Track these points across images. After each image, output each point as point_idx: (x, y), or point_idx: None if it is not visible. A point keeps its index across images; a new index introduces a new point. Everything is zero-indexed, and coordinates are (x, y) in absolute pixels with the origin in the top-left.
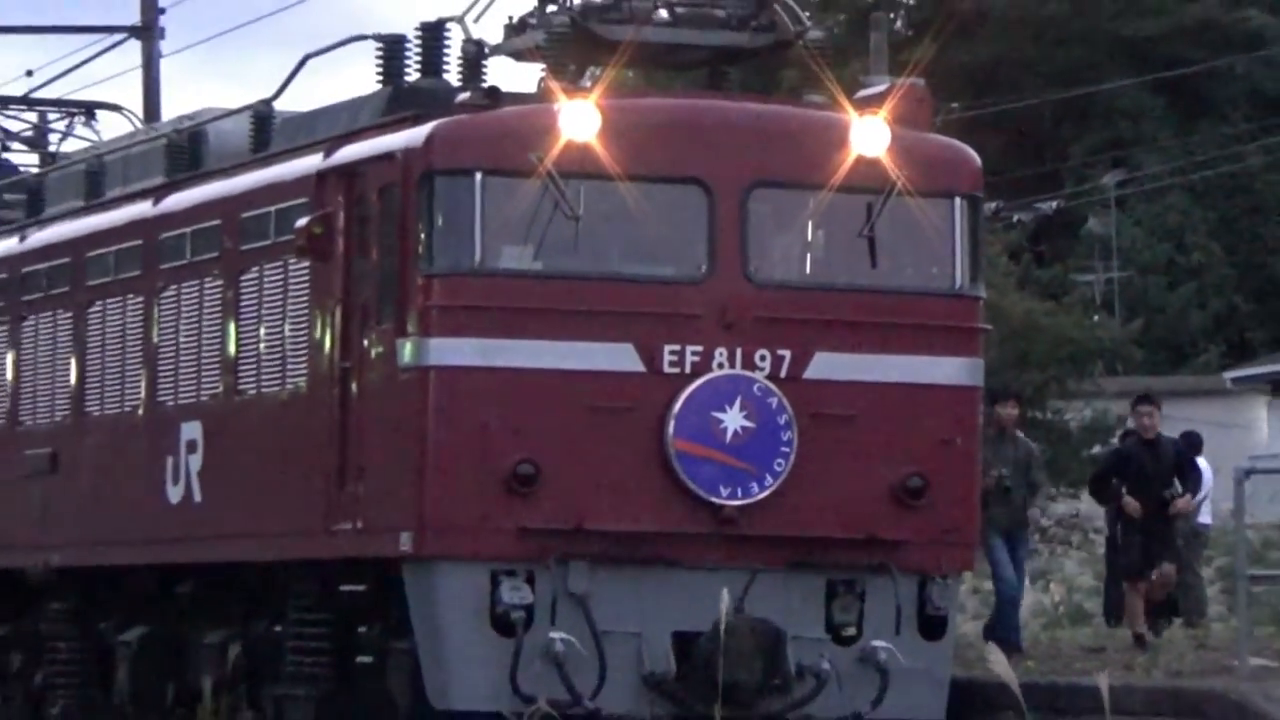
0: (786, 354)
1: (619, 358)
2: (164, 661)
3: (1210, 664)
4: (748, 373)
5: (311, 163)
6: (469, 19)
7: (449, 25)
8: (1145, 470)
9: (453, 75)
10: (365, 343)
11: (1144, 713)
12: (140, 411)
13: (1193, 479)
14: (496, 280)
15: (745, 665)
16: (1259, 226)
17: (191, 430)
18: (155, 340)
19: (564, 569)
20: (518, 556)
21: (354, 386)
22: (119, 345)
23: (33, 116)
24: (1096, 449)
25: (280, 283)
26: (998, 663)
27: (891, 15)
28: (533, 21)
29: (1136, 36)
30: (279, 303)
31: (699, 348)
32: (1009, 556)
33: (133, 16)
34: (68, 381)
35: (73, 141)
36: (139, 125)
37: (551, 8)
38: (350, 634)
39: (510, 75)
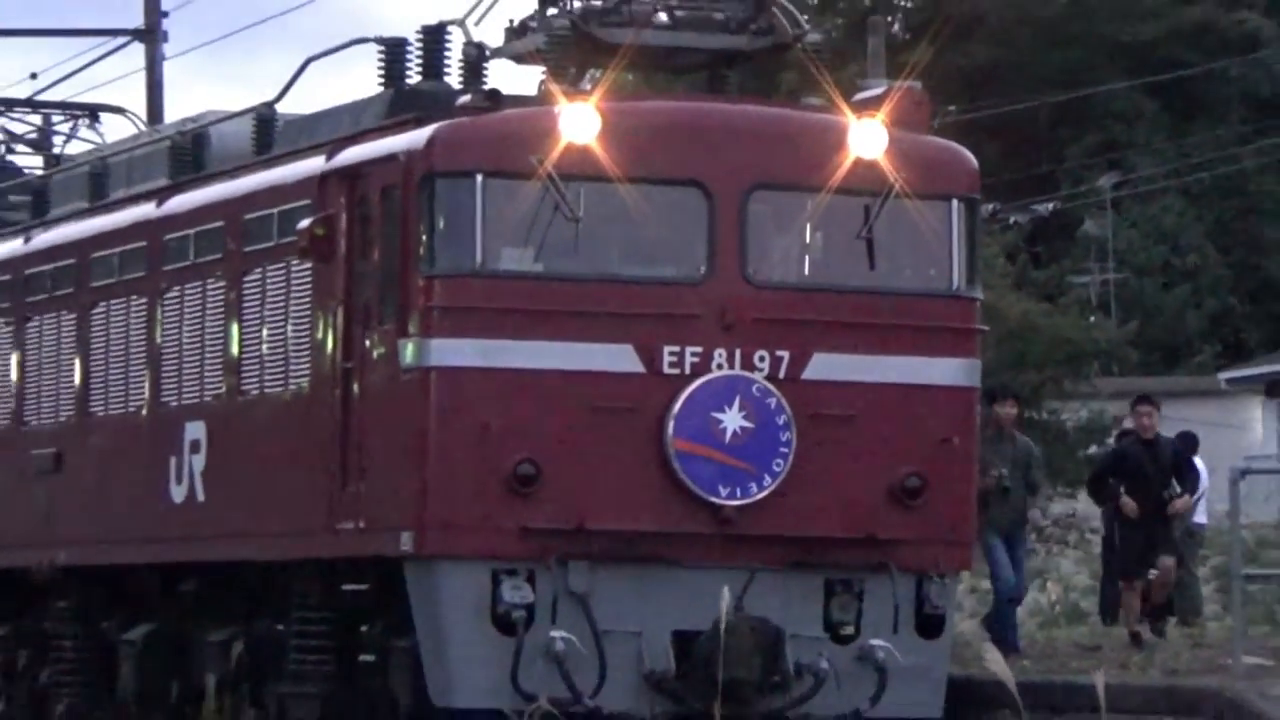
0: (785, 355)
1: (619, 358)
2: (168, 660)
3: (1205, 662)
4: (747, 373)
5: (314, 165)
6: (470, 22)
7: (450, 28)
8: (1143, 470)
9: (454, 78)
10: (367, 343)
11: (1140, 711)
12: (144, 412)
13: (1190, 479)
14: (497, 281)
15: (744, 664)
16: (1254, 228)
17: (195, 430)
18: (159, 341)
19: (564, 568)
20: (519, 556)
21: (356, 387)
22: (123, 346)
23: (37, 119)
24: (1093, 449)
25: (283, 284)
26: (994, 661)
27: (889, 19)
28: (533, 25)
29: (1132, 40)
30: (282, 304)
31: (698, 348)
32: (1008, 556)
33: (136, 19)
34: (72, 382)
35: (77, 144)
36: (142, 128)
37: (552, 11)
38: (352, 632)
39: (511, 78)
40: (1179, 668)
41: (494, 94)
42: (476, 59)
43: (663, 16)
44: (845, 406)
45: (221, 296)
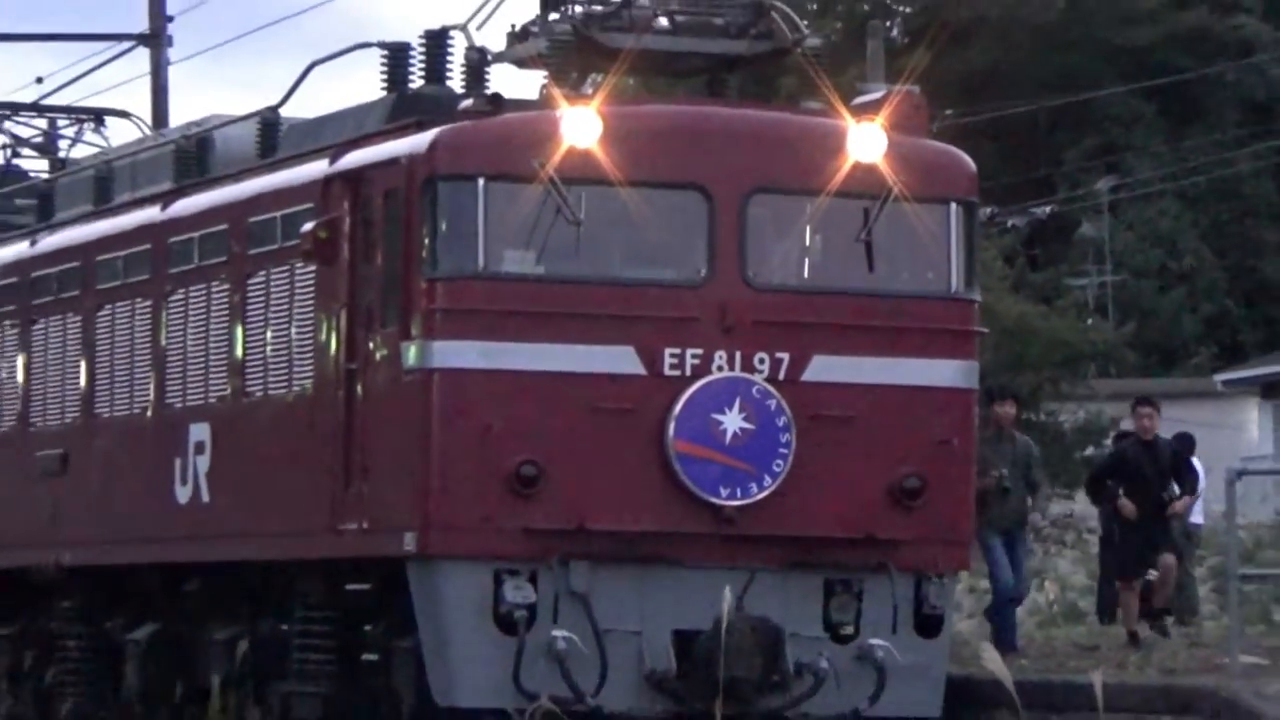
0: (785, 356)
1: (620, 360)
2: (173, 659)
3: (1202, 662)
4: (747, 375)
5: (317, 168)
6: (472, 27)
7: (452, 33)
8: (1143, 471)
9: (456, 82)
10: (370, 345)
11: (1137, 710)
12: (149, 413)
13: (1190, 480)
14: (499, 284)
15: (745, 663)
16: (1249, 231)
17: (199, 431)
18: (164, 343)
19: (566, 568)
20: (521, 556)
21: (359, 388)
22: (128, 348)
23: (43, 123)
24: (1090, 450)
25: (287, 286)
26: (992, 661)
27: (887, 23)
28: (535, 29)
29: (1129, 44)
30: (285, 306)
31: (699, 350)
32: (1008, 556)
33: (141, 24)
34: (78, 383)
35: (82, 147)
36: (147, 132)
37: (553, 16)
38: (356, 632)
39: (513, 82)
40: (1176, 667)
41: (496, 98)
42: (478, 63)
43: (663, 21)
44: (844, 408)
45: (226, 299)
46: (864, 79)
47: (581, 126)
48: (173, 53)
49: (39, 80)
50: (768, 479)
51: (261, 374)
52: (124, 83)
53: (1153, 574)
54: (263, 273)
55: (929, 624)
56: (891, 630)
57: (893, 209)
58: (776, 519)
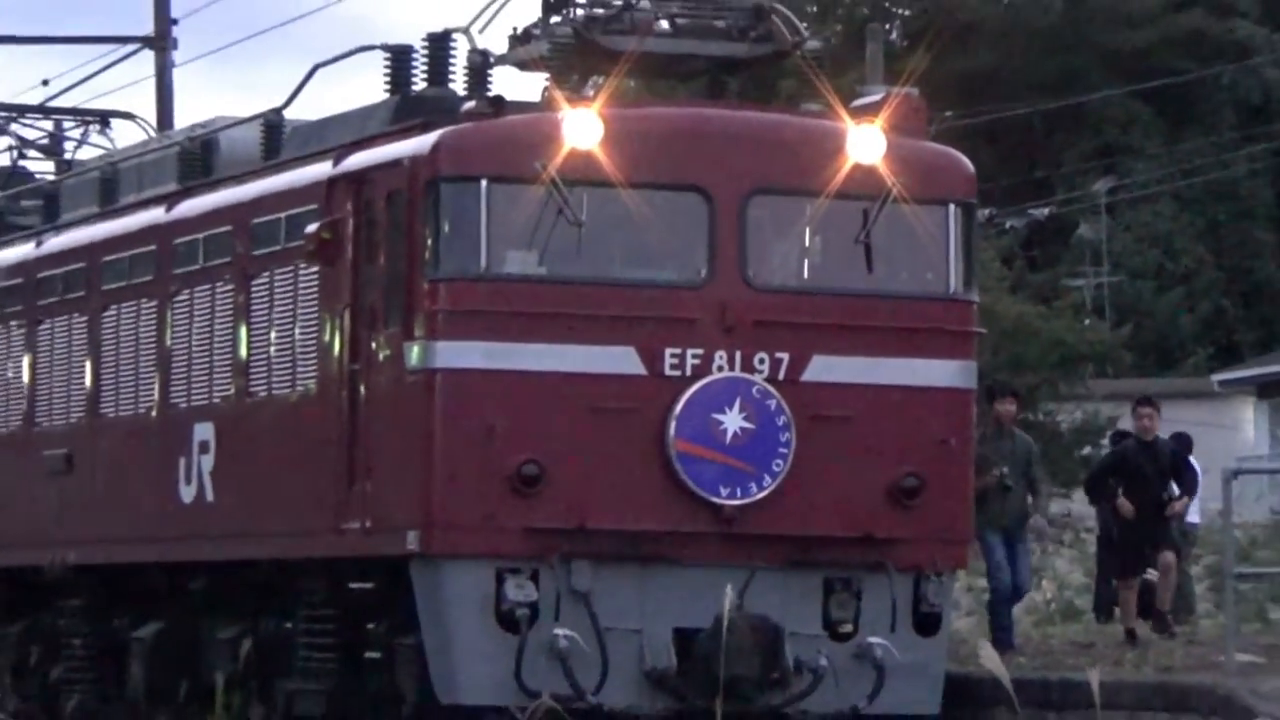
0: (785, 357)
1: (621, 361)
2: (177, 657)
3: (1198, 660)
4: (747, 375)
5: (321, 170)
6: (474, 29)
7: (455, 36)
8: (1142, 471)
9: (459, 84)
10: (373, 346)
11: (1134, 708)
12: (154, 413)
13: (1189, 481)
14: (501, 285)
15: (744, 661)
16: (1245, 232)
17: (204, 431)
18: (168, 343)
19: (567, 567)
20: (522, 555)
21: (362, 389)
22: (133, 348)
23: (49, 125)
24: (1088, 450)
25: (290, 287)
26: (990, 659)
27: (887, 26)
28: (537, 32)
29: (1126, 47)
30: (289, 307)
31: (699, 351)
32: (1010, 553)
33: (146, 27)
34: (83, 384)
35: (88, 149)
36: (152, 133)
37: (555, 19)
38: (359, 630)
39: (515, 85)
40: (1172, 665)
41: (498, 100)
42: (481, 66)
43: (664, 24)
44: (844, 408)
45: (230, 299)
46: (863, 81)
47: (583, 128)
48: (177, 55)
49: (45, 83)
50: (767, 478)
51: (265, 374)
52: (129, 85)
53: (1151, 573)
54: (267, 273)
55: (927, 622)
56: (890, 628)
57: (892, 210)
58: (776, 518)
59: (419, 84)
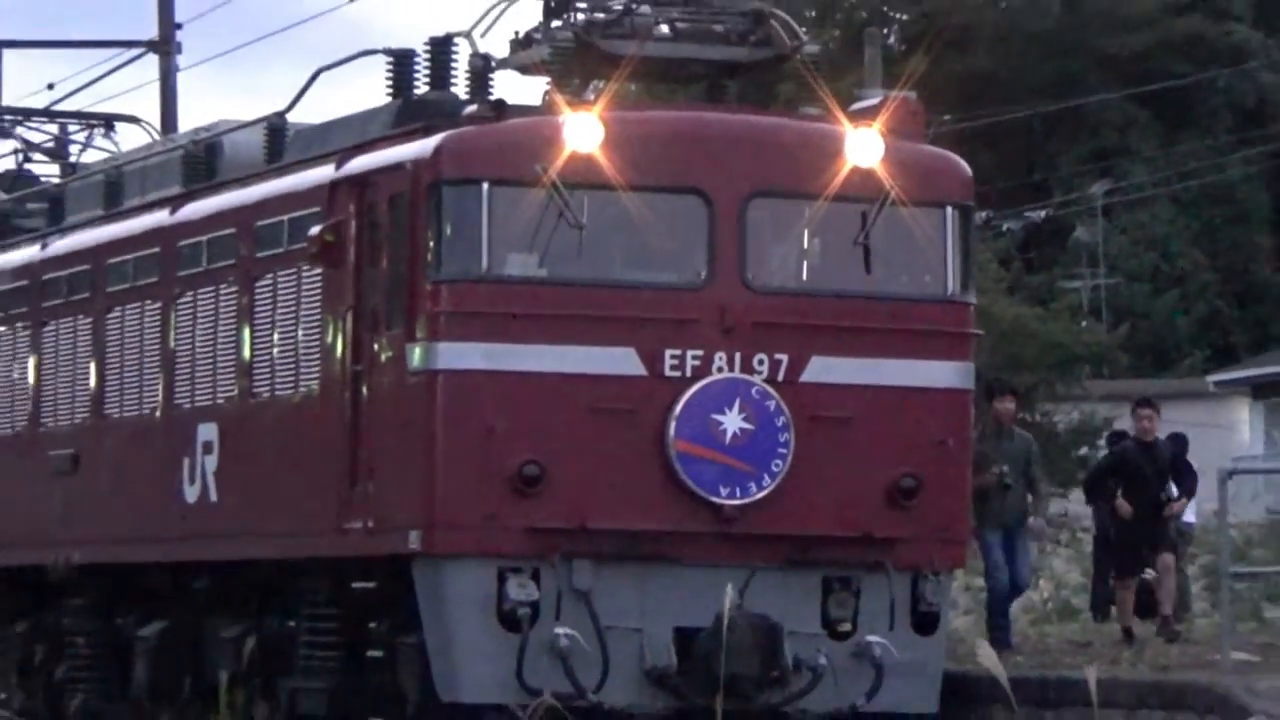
0: (784, 358)
1: (621, 362)
2: (181, 655)
3: (1194, 658)
4: (746, 376)
5: (324, 173)
6: (476, 34)
7: (457, 40)
8: (1142, 472)
9: (460, 88)
10: (375, 347)
11: (1130, 706)
12: (158, 414)
13: (1189, 482)
14: (503, 287)
15: (744, 659)
16: (1240, 235)
17: (207, 432)
18: (172, 345)
19: (568, 566)
20: (524, 554)
21: (364, 389)
22: (137, 350)
23: (54, 128)
24: (1084, 450)
25: (293, 289)
26: (987, 657)
27: (885, 31)
28: (538, 36)
29: (1123, 51)
30: (292, 308)
31: (699, 352)
32: (1010, 550)
33: (150, 31)
34: (88, 385)
35: (92, 152)
36: (156, 137)
37: (556, 23)
38: (361, 629)
39: (516, 88)
40: (1168, 663)
41: (499, 104)
42: (482, 70)
43: (664, 28)
44: (842, 408)
45: (233, 301)
46: (861, 85)
47: (583, 132)
48: (181, 59)
49: (50, 86)
50: (767, 478)
51: (269, 375)
52: (134, 89)
53: (1149, 573)
54: (270, 275)
55: (925, 621)
56: (889, 627)
57: (890, 213)
58: (775, 518)
59: (421, 88)
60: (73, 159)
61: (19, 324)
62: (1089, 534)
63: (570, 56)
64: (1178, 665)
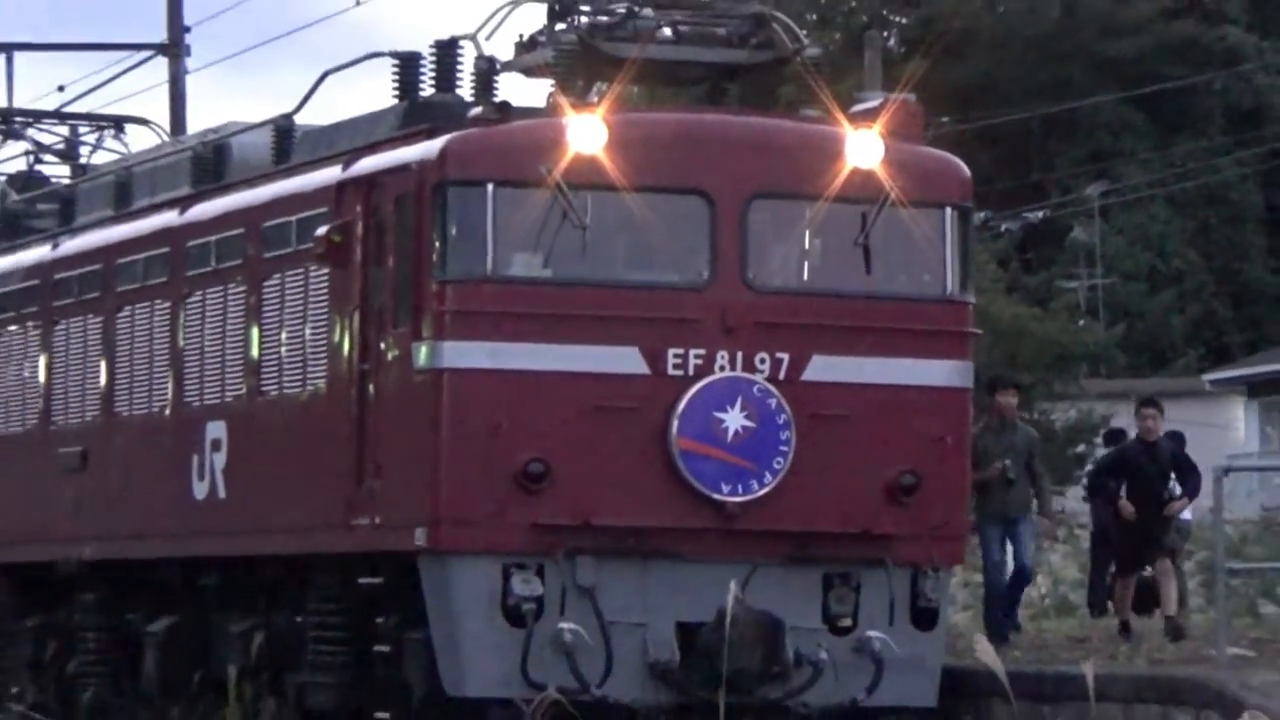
0: (785, 357)
1: (625, 360)
2: (190, 651)
3: (1190, 653)
4: (748, 375)
5: (331, 174)
6: (481, 37)
7: (462, 43)
8: (1144, 471)
9: (465, 90)
10: (382, 346)
11: (1127, 700)
12: (167, 412)
13: (1192, 482)
14: (507, 286)
15: (746, 654)
16: (1235, 235)
17: (216, 429)
18: (181, 344)
19: (572, 562)
20: (528, 550)
21: (371, 388)
22: (147, 348)
23: (64, 130)
24: (1081, 448)
25: (301, 289)
26: (985, 652)
27: (885, 34)
28: (542, 39)
29: (1119, 54)
30: (300, 308)
31: (701, 351)
32: (1014, 543)
33: (159, 34)
34: (98, 383)
35: (102, 154)
36: (166, 138)
37: (560, 26)
38: (368, 624)
39: (520, 91)
40: (1165, 658)
41: (504, 106)
42: (487, 72)
43: (666, 31)
44: (843, 407)
45: (242, 301)
46: (862, 88)
47: (587, 133)
48: (190, 62)
49: (61, 88)
50: (768, 476)
51: (276, 374)
52: (143, 91)
53: (1149, 570)
54: (278, 275)
55: (925, 616)
56: (888, 622)
57: (889, 213)
58: (777, 515)
59: (426, 90)
60: (83, 160)
61: (30, 323)
62: (1086, 530)
63: (574, 59)
64: (1174, 660)
